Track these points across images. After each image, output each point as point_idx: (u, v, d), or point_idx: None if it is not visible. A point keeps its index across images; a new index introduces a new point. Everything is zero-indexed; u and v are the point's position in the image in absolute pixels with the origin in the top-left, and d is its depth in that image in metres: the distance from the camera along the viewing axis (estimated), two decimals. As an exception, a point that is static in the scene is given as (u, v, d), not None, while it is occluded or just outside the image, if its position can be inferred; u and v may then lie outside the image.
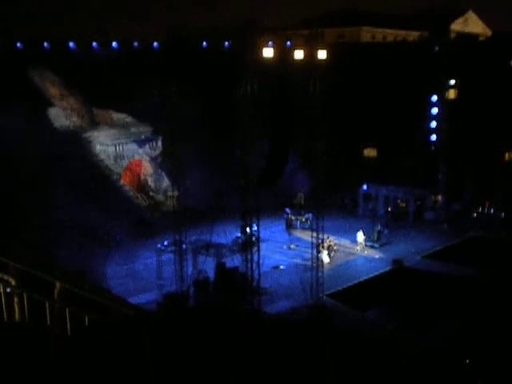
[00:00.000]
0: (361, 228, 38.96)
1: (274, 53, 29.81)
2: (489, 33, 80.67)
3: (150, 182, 46.64)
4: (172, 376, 17.47)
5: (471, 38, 67.40)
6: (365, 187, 47.44)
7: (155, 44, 45.65)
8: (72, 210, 37.82)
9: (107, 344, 16.56)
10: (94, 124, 45.67)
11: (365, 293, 30.94)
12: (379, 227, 39.76)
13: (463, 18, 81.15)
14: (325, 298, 29.15)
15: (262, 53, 28.88)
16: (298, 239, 39.77)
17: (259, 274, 27.46)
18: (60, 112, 44.17)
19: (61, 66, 42.68)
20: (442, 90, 46.74)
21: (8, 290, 23.45)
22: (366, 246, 38.40)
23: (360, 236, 38.46)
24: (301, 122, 32.92)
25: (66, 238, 34.79)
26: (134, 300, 27.01)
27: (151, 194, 46.19)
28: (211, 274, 30.18)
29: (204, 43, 46.55)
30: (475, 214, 44.52)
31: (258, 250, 27.59)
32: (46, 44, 42.30)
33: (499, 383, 21.36)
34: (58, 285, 21.55)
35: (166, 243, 31.23)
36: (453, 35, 66.95)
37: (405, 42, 66.00)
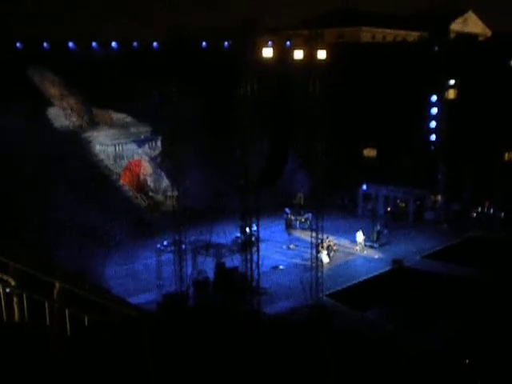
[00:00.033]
0: (360, 228, 38.96)
1: (274, 53, 29.83)
2: (488, 33, 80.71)
3: (150, 182, 46.64)
4: (172, 376, 17.47)
5: (471, 38, 67.43)
6: (364, 187, 47.44)
7: (155, 44, 45.69)
8: (72, 210, 37.83)
9: (107, 344, 16.56)
10: (94, 124, 45.68)
11: (364, 293, 30.94)
12: (379, 227, 39.75)
13: (463, 18, 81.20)
14: (324, 298, 29.14)
15: (261, 53, 28.89)
16: (298, 239, 39.77)
17: (259, 274, 27.43)
18: (60, 112, 44.19)
19: (60, 66, 42.72)
20: (441, 90, 46.75)
21: (7, 290, 23.46)
22: (365, 246, 38.40)
23: (359, 236, 38.46)
24: (300, 122, 32.94)
25: (66, 238, 34.80)
26: (133, 300, 26.99)
27: (151, 194, 46.19)
28: (211, 274, 30.17)
29: (204, 43, 46.60)
30: (475, 214, 44.53)
31: (258, 250, 27.56)
32: (45, 44, 42.34)
33: (499, 383, 21.37)
34: (57, 285, 21.56)
35: (165, 243, 31.22)
36: (452, 35, 66.98)
37: (404, 42, 66.05)
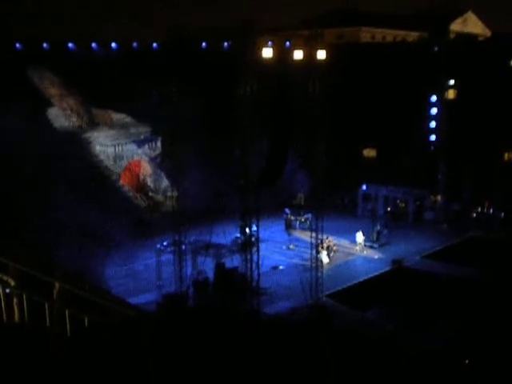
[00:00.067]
0: (360, 228, 38.95)
1: (274, 53, 29.84)
2: (488, 33, 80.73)
3: (150, 182, 46.63)
4: (172, 376, 17.47)
5: (470, 38, 67.44)
6: (364, 187, 47.43)
7: (155, 44, 45.68)
8: (72, 210, 37.83)
9: (107, 345, 16.57)
10: (94, 124, 45.68)
11: (364, 293, 30.93)
12: (378, 227, 39.74)
13: (462, 18, 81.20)
14: (324, 298, 29.13)
15: (261, 53, 28.90)
16: (298, 239, 39.76)
17: (259, 275, 27.42)
18: (59, 112, 44.19)
19: (60, 66, 42.74)
20: (441, 90, 46.77)
21: (7, 290, 23.47)
22: (365, 246, 38.39)
23: (359, 236, 38.46)
24: (300, 122, 32.89)
25: (66, 238, 34.79)
26: (133, 300, 27.08)
27: (150, 194, 46.18)
28: (210, 275, 30.14)
29: (204, 43, 46.58)
30: (475, 214, 44.54)
31: (258, 251, 27.56)
32: (45, 44, 42.33)
33: (499, 383, 21.37)
34: (57, 285, 21.59)
35: (165, 243, 31.19)
36: (452, 35, 66.97)
37: (404, 43, 66.07)
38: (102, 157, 44.95)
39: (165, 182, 45.56)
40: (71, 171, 40.63)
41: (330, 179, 31.34)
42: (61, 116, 44.18)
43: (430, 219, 45.11)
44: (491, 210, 44.22)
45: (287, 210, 44.26)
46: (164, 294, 28.60)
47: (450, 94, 47.35)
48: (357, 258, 37.01)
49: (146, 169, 46.92)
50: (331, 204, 44.57)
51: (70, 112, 44.79)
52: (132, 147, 46.54)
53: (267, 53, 29.44)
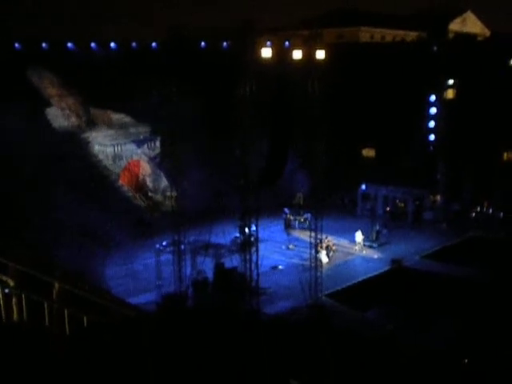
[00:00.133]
0: (359, 228, 38.97)
1: (273, 53, 29.86)
2: (487, 33, 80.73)
3: (149, 182, 46.64)
4: (171, 376, 17.47)
5: (470, 38, 67.41)
6: (363, 187, 47.45)
7: (154, 44, 45.66)
8: (72, 210, 37.83)
9: (106, 345, 16.55)
10: (93, 124, 45.66)
11: (364, 293, 30.93)
12: (378, 227, 39.77)
13: (461, 18, 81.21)
14: (324, 297, 29.13)
15: (260, 53, 28.90)
16: (297, 239, 39.79)
17: (258, 274, 27.44)
18: (59, 112, 44.16)
19: (60, 66, 42.70)
20: (440, 89, 46.81)
21: (6, 290, 23.43)
22: (364, 245, 38.42)
23: (359, 236, 38.48)
24: (300, 122, 32.90)
25: (66, 238, 34.79)
26: (133, 300, 26.99)
27: (150, 194, 46.18)
28: (210, 275, 30.17)
29: (204, 43, 46.57)
30: (474, 214, 44.56)
31: (257, 250, 27.58)
32: (44, 44, 42.29)
33: (499, 383, 21.39)
34: (56, 285, 21.55)
35: (164, 243, 31.22)
36: (451, 35, 66.99)
37: (403, 42, 66.00)
38: (101, 157, 44.95)
39: (164, 182, 45.57)
40: (71, 171, 40.64)
41: (330, 179, 31.36)
42: (60, 116, 44.17)
43: (430, 219, 45.12)
44: (491, 210, 44.24)
45: (286, 210, 44.29)
46: (163, 293, 28.61)
47: (449, 94, 47.43)
48: (356, 258, 37.04)
49: (146, 169, 46.93)
50: (331, 204, 44.57)
51: (69, 112, 44.77)
52: (131, 147, 46.55)
53: (266, 53, 29.46)
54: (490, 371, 21.53)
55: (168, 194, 38.84)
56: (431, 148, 48.95)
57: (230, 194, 35.85)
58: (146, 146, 47.33)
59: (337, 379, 19.83)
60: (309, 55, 29.58)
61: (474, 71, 46.05)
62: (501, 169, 45.12)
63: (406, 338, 25.03)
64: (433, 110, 47.88)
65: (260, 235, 28.63)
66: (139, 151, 46.98)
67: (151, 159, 47.36)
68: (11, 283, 22.13)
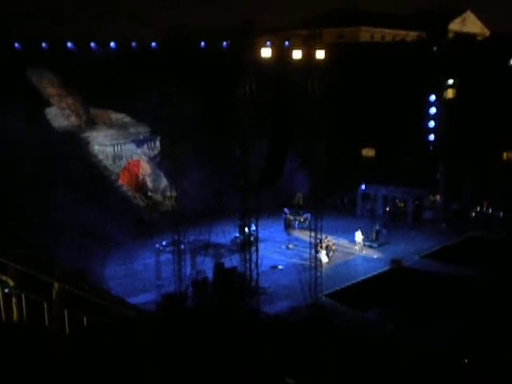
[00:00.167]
0: (359, 228, 38.95)
1: (273, 53, 29.86)
2: (487, 33, 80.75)
3: (149, 182, 46.65)
4: (171, 376, 17.47)
5: (469, 37, 67.45)
6: (363, 187, 47.45)
7: (154, 44, 45.66)
8: (72, 210, 37.82)
9: (106, 345, 16.57)
10: (93, 124, 45.66)
11: (364, 293, 30.92)
12: (378, 227, 39.75)
13: (461, 18, 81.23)
14: (323, 297, 29.13)
15: (260, 53, 28.90)
16: (297, 239, 39.79)
17: (258, 274, 27.42)
18: (58, 112, 44.16)
19: (59, 66, 42.71)
20: (440, 89, 46.81)
21: (6, 290, 23.46)
22: (364, 245, 38.40)
23: (358, 236, 38.47)
24: (300, 122, 32.89)
25: (66, 238, 34.78)
26: (133, 300, 27.07)
27: (149, 194, 46.19)
28: (210, 274, 30.14)
29: (203, 43, 46.58)
30: (474, 214, 44.54)
31: (257, 250, 27.55)
32: (44, 44, 42.30)
33: (499, 383, 21.39)
34: (56, 285, 21.59)
35: (164, 243, 31.21)
36: (451, 35, 67.02)
37: (403, 42, 66.05)
38: (101, 156, 44.95)
39: (164, 182, 45.58)
40: (71, 171, 40.63)
41: (330, 179, 31.34)
42: (60, 116, 44.17)
43: (429, 219, 45.10)
44: (490, 210, 44.23)
45: (286, 210, 44.29)
46: (163, 293, 28.59)
47: (449, 94, 47.41)
48: (356, 258, 37.02)
49: (145, 169, 46.93)
50: (330, 204, 44.60)
51: (68, 112, 44.77)
52: (131, 147, 46.56)
53: (266, 53, 29.45)
54: (490, 371, 21.53)
55: (168, 193, 38.84)
56: (431, 148, 48.97)
57: (230, 194, 35.82)
58: (145, 145, 47.34)
59: (337, 379, 19.83)
60: (309, 55, 29.56)
61: (474, 71, 46.05)
62: (501, 169, 45.11)
63: (406, 337, 25.01)
64: (433, 110, 47.91)
65: (260, 235, 28.60)
66: (139, 151, 46.98)
67: (151, 159, 47.36)
68: (11, 283, 22.11)
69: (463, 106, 45.03)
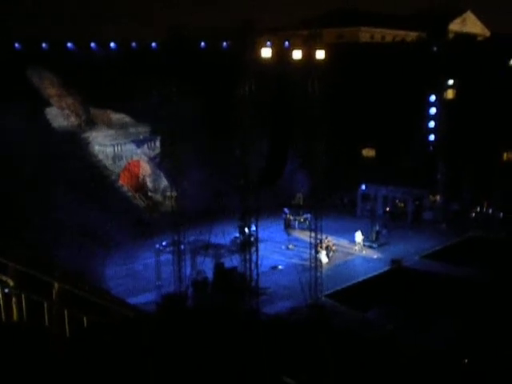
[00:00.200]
0: (359, 228, 38.97)
1: (273, 53, 29.85)
2: (487, 33, 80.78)
3: (149, 182, 46.66)
4: (171, 376, 17.47)
5: (469, 38, 67.43)
6: (363, 187, 47.44)
7: (154, 44, 45.67)
8: (72, 210, 37.82)
9: (106, 345, 16.56)
10: (93, 124, 45.66)
11: (364, 293, 30.92)
12: (378, 227, 39.77)
13: (461, 18, 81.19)
14: (323, 298, 29.13)
15: (260, 53, 28.90)
16: (297, 239, 39.80)
17: (258, 274, 27.43)
18: (58, 112, 44.16)
19: (60, 66, 42.71)
20: (440, 90, 46.82)
21: (6, 290, 23.46)
22: (364, 246, 38.41)
23: (358, 236, 38.47)
24: (300, 122, 32.90)
25: (66, 238, 34.78)
26: (133, 300, 27.07)
27: (149, 194, 46.19)
28: (210, 275, 30.16)
29: (203, 43, 46.58)
30: (474, 214, 44.55)
31: (257, 250, 27.56)
32: (44, 44, 42.30)
33: (499, 383, 21.39)
34: (56, 285, 21.59)
35: (164, 243, 31.19)
36: (451, 35, 67.01)
37: (403, 43, 66.04)
38: (101, 157, 44.95)
39: (164, 182, 45.59)
40: (71, 171, 40.63)
41: (330, 179, 31.35)
42: (60, 116, 44.17)
43: (429, 219, 45.12)
44: (490, 210, 44.23)
45: (286, 210, 44.30)
46: (163, 293, 28.60)
47: (449, 94, 47.43)
48: (356, 258, 37.02)
49: (145, 169, 46.94)
50: (330, 204, 44.60)
51: (68, 112, 44.77)
52: (131, 147, 46.57)
53: (266, 53, 29.44)
54: (490, 371, 21.52)
55: (168, 194, 38.87)
56: (431, 148, 48.96)
57: (230, 194, 35.84)
58: (145, 146, 47.34)
59: (336, 379, 19.83)
60: (309, 55, 29.57)
61: (474, 71, 46.06)
62: (501, 169, 45.12)
63: (406, 337, 25.01)
64: (433, 110, 47.91)
65: (260, 235, 28.61)
66: (139, 151, 46.99)
67: (151, 159, 47.37)
68: (11, 283, 22.10)
69: (463, 106, 45.05)
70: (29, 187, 36.49)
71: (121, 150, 45.91)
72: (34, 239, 31.87)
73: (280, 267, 34.85)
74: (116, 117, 46.54)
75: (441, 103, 46.99)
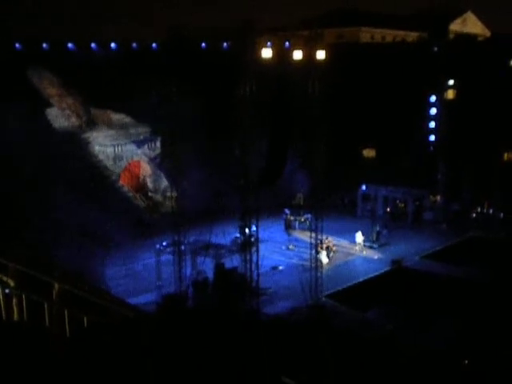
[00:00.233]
0: (360, 228, 38.99)
1: (273, 53, 29.87)
2: (487, 33, 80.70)
3: (149, 182, 46.66)
4: (171, 376, 17.46)
5: (470, 38, 67.40)
6: (364, 187, 47.44)
7: (154, 44, 45.64)
8: (72, 210, 37.82)
9: (106, 345, 16.56)
10: (93, 124, 45.63)
11: (364, 293, 30.93)
12: (378, 227, 39.77)
13: (462, 19, 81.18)
14: (324, 298, 29.13)
15: (260, 53, 28.91)
16: (297, 240, 39.82)
17: (258, 275, 27.43)
18: (59, 112, 44.13)
19: (60, 66, 42.66)
20: (440, 90, 46.84)
21: (7, 290, 23.47)
22: (364, 246, 38.41)
23: (359, 236, 38.47)
24: (300, 122, 32.92)
25: (66, 238, 34.78)
26: (133, 300, 27.07)
27: (150, 194, 46.19)
28: (210, 275, 30.14)
29: (204, 43, 46.56)
30: (474, 214, 44.56)
31: (257, 251, 27.56)
32: (45, 44, 42.26)
33: (499, 383, 21.38)
34: (56, 286, 21.60)
35: (164, 244, 31.18)
36: (451, 35, 66.99)
37: (404, 43, 66.02)
38: (101, 157, 44.94)
39: (164, 183, 45.59)
40: (71, 171, 40.63)
41: (330, 179, 31.33)
42: (60, 116, 44.12)
43: (430, 219, 45.12)
44: (491, 210, 44.24)
45: (287, 210, 44.29)
46: (163, 294, 28.60)
47: (450, 94, 47.45)
48: (356, 258, 37.02)
49: (146, 169, 46.93)
50: (331, 204, 44.57)
51: (69, 112, 44.73)
52: (131, 147, 46.55)
53: (267, 53, 29.46)
54: (490, 371, 21.51)
55: (168, 194, 38.86)
56: (431, 148, 48.98)
57: (230, 194, 35.85)
58: (146, 146, 47.33)
59: (337, 379, 19.82)
60: (309, 55, 29.58)
61: (475, 72, 46.05)
62: (501, 169, 45.09)
63: (406, 337, 25.01)
64: (433, 111, 47.94)
65: (260, 235, 28.61)
66: (139, 152, 46.98)
67: (151, 160, 47.36)
68: (11, 283, 22.11)
69: (463, 106, 45.05)
70: (29, 187, 36.49)
71: (121, 150, 45.90)
72: (34, 239, 31.87)
73: (280, 267, 34.85)
74: (116, 117, 46.52)
75: (441, 103, 47.01)
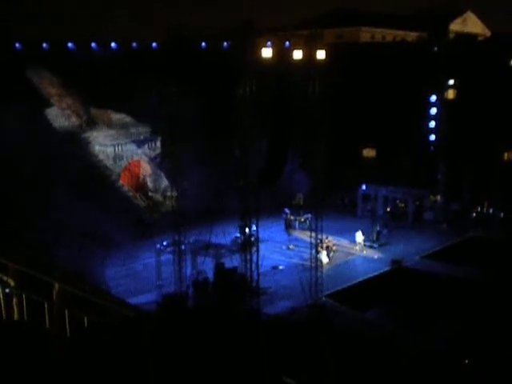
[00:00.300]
0: (360, 228, 38.97)
1: (273, 53, 29.85)
2: (488, 33, 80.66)
3: (149, 182, 46.67)
4: (171, 376, 17.47)
5: (470, 38, 67.40)
6: (364, 187, 47.44)
7: (154, 44, 45.65)
8: (72, 210, 37.82)
9: (107, 345, 16.56)
10: (93, 124, 45.64)
11: (364, 293, 30.93)
12: (378, 227, 39.76)
13: (462, 18, 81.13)
14: (324, 298, 29.13)
15: (261, 53, 28.91)
16: (297, 239, 39.80)
17: (258, 275, 27.45)
18: (59, 112, 44.14)
19: (60, 66, 42.69)
20: (441, 90, 46.84)
21: (7, 290, 23.47)
22: (365, 246, 38.41)
23: (359, 236, 38.47)
24: (300, 122, 32.90)
25: (66, 238, 34.79)
26: (133, 300, 27.06)
27: (150, 194, 46.20)
28: (210, 275, 30.14)
29: (204, 43, 46.55)
30: (474, 214, 44.55)
31: (257, 251, 27.58)
32: (44, 44, 42.28)
33: (499, 383, 21.38)
34: (56, 286, 21.60)
35: (165, 243, 31.19)
36: (451, 35, 66.97)
37: (404, 42, 66.06)
38: (101, 157, 44.96)
39: (164, 182, 45.60)
40: (71, 171, 40.64)
41: (330, 179, 31.34)
42: (60, 116, 44.14)
43: (430, 219, 45.11)
44: (491, 210, 44.24)
45: (287, 210, 44.29)
46: (164, 293, 28.62)
47: (450, 94, 47.44)
48: (356, 258, 37.02)
49: (146, 169, 46.94)
50: (331, 204, 44.61)
51: (69, 112, 44.76)
52: (131, 147, 46.57)
53: (267, 53, 29.45)
54: (490, 371, 21.52)
55: (168, 194, 38.88)
56: (431, 148, 48.98)
57: (230, 194, 35.83)
58: (146, 146, 47.35)
59: (337, 379, 19.83)
60: (309, 55, 29.57)
61: (475, 71, 46.04)
62: (501, 169, 45.08)
63: (406, 338, 25.02)
64: (433, 111, 47.93)
65: (260, 235, 28.63)
66: (139, 151, 47.00)
67: (151, 159, 47.37)
68: (12, 283, 22.11)
69: (464, 106, 45.04)
70: (29, 187, 36.50)
71: (121, 150, 45.92)
72: (34, 239, 31.88)
73: (280, 267, 34.85)
74: (116, 117, 46.54)
75: (441, 103, 47.01)
